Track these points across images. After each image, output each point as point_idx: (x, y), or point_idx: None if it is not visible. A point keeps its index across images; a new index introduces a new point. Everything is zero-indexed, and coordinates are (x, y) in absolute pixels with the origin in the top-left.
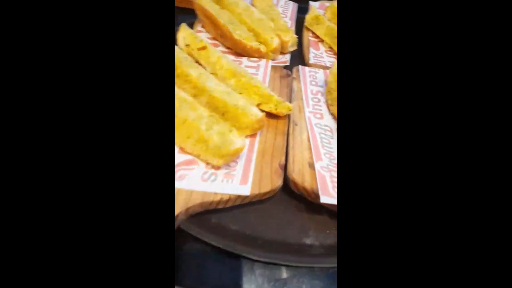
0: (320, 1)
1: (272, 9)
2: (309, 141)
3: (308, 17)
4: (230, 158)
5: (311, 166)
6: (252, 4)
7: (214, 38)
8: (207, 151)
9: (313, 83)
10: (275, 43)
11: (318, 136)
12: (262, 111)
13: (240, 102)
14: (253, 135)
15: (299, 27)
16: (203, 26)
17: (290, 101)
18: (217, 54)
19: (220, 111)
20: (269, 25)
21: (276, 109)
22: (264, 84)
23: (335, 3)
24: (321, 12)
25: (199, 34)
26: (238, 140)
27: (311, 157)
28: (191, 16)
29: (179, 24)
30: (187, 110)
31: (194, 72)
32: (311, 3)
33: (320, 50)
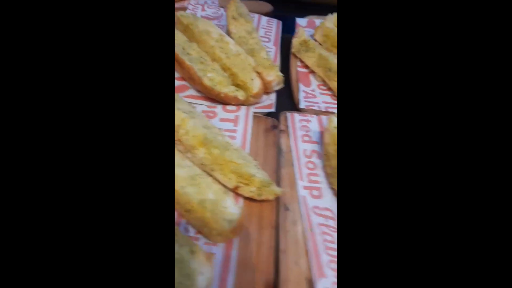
0: (308, 18)
1: (252, 36)
2: (305, 239)
3: (295, 42)
4: None
5: (310, 285)
6: (228, 31)
7: (182, 78)
8: None
9: (306, 138)
10: (256, 87)
11: (317, 230)
12: (238, 194)
13: (209, 194)
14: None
15: (286, 51)
16: None
17: (278, 168)
18: (181, 115)
19: (183, 207)
20: (248, 61)
21: (259, 195)
22: (242, 156)
23: (327, 21)
24: (310, 32)
25: None
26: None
27: (310, 270)
28: None
29: None
30: None
31: None
32: (298, 20)
33: (312, 86)
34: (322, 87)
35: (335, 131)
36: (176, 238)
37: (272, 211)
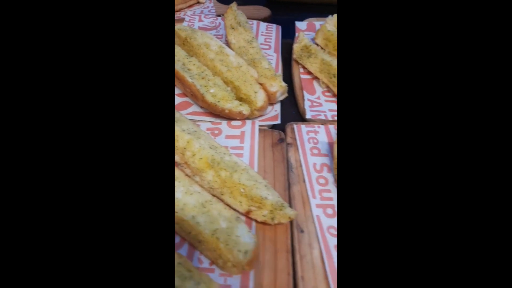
0: (308, 20)
1: (252, 45)
2: (323, 262)
3: (296, 48)
4: None
5: None
6: (227, 41)
7: (184, 95)
8: None
9: (315, 151)
10: (260, 100)
11: (334, 253)
12: (251, 218)
13: (221, 223)
14: None
15: (287, 57)
16: None
17: (289, 186)
18: (186, 137)
19: (195, 238)
20: (250, 73)
21: (272, 219)
22: (251, 177)
23: (328, 23)
24: (310, 35)
25: None
26: None
27: None
28: None
29: None
30: None
31: None
32: (297, 24)
33: (316, 94)
34: (327, 94)
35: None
36: (188, 272)
37: (287, 233)
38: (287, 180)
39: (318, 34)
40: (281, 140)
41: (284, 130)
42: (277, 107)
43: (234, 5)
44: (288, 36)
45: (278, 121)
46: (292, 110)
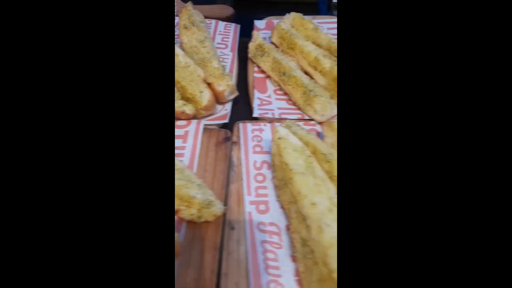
0: (267, 19)
1: (203, 45)
2: (247, 259)
3: (251, 47)
4: None
5: None
6: (181, 42)
7: None
8: None
9: (258, 148)
10: (205, 99)
11: (259, 249)
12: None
13: None
14: None
15: (245, 54)
16: None
17: (228, 184)
18: None
19: None
20: (197, 73)
21: (199, 217)
22: (185, 177)
23: (284, 22)
24: (268, 34)
25: None
26: None
27: None
28: None
29: None
30: None
31: None
32: (256, 23)
33: (268, 92)
34: (278, 92)
35: (280, 141)
36: None
37: (218, 231)
38: (227, 179)
39: (274, 33)
40: (227, 139)
41: (231, 130)
42: (228, 106)
43: (189, 5)
44: (247, 36)
45: (226, 120)
46: (245, 110)
